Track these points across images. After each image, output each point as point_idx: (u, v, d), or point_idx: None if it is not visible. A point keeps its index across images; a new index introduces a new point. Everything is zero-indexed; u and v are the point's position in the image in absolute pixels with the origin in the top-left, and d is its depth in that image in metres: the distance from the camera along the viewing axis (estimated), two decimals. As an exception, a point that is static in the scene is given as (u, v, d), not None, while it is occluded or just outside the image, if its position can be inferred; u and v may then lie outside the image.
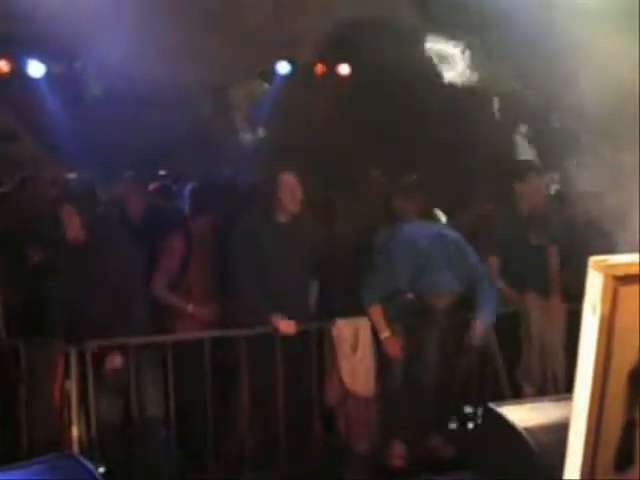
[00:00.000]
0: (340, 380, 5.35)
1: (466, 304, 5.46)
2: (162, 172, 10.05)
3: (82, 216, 5.11)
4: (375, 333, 5.41)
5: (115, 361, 5.09)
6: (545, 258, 5.91)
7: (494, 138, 8.29)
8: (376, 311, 5.39)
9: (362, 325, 5.42)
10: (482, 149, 8.09)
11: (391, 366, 5.42)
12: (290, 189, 5.39)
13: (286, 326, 5.23)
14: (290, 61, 10.70)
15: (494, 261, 5.79)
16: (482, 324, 5.43)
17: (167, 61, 8.96)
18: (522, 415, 3.36)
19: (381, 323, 5.39)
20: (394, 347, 5.39)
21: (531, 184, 5.98)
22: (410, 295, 5.37)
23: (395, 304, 5.39)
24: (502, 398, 5.13)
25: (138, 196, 6.43)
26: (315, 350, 5.41)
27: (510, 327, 5.71)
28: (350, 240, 5.70)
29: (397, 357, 5.40)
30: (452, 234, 5.46)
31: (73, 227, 5.09)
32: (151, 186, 7.72)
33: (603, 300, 1.87)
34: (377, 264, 5.38)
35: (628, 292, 1.87)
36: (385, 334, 5.38)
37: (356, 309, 5.40)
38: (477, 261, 5.44)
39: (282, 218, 5.43)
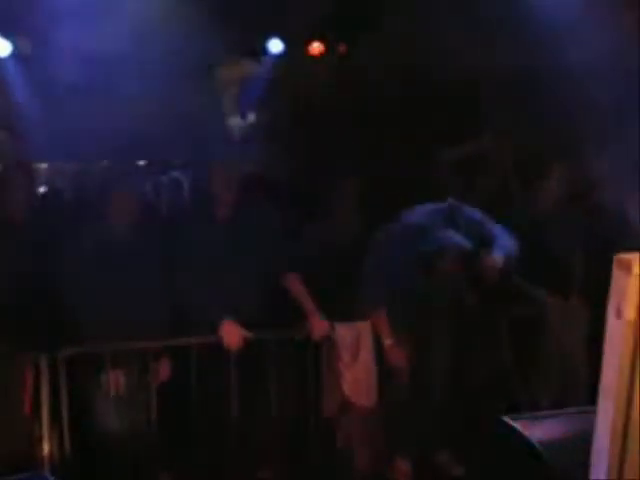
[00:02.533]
0: (340, 390, 5.37)
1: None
2: (141, 162, 10.06)
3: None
4: (378, 338, 5.42)
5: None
6: (566, 257, 5.93)
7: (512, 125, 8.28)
8: (380, 314, 5.38)
9: (364, 329, 5.42)
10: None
11: (395, 375, 5.43)
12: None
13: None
14: (283, 39, 10.70)
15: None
16: (496, 256, 5.29)
17: (144, 39, 8.95)
18: (539, 429, 3.36)
19: (385, 328, 5.38)
20: (399, 356, 5.39)
21: (552, 179, 6.02)
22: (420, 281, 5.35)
23: (400, 303, 5.38)
24: (517, 410, 5.13)
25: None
26: (312, 358, 5.42)
27: (525, 331, 5.72)
28: (348, 235, 5.70)
29: (402, 367, 5.40)
30: (456, 204, 5.40)
31: None
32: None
33: (629, 302, 1.86)
34: (376, 256, 5.37)
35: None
36: (389, 341, 5.38)
37: (356, 311, 5.41)
38: (486, 219, 5.40)
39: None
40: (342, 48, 10.68)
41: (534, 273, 5.82)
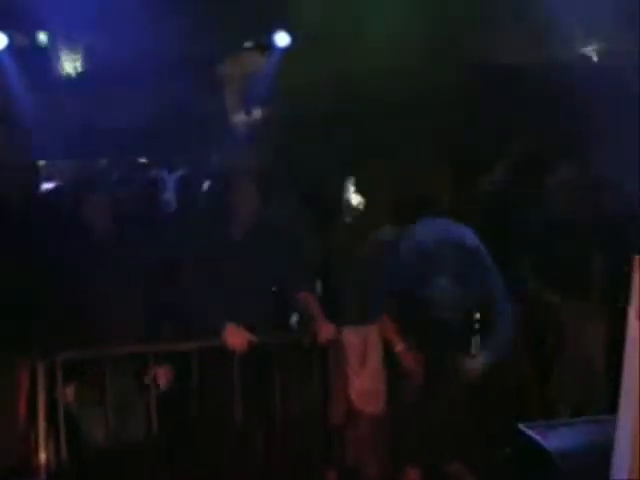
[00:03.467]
0: (347, 397, 5.36)
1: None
2: (142, 160, 10.07)
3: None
4: (386, 342, 5.41)
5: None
6: (581, 259, 5.93)
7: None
8: (387, 321, 5.38)
9: (371, 334, 5.42)
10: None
11: (405, 380, 5.42)
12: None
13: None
14: (290, 31, 10.70)
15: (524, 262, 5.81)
16: (483, 360, 5.29)
17: (146, 31, 8.97)
18: (556, 438, 3.34)
19: (394, 334, 5.37)
20: (413, 359, 5.37)
21: (565, 179, 6.03)
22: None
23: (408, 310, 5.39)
24: (533, 419, 5.12)
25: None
26: (318, 363, 5.41)
27: (542, 335, 5.71)
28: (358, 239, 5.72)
29: (415, 371, 5.39)
30: (471, 242, 5.32)
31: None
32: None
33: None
34: (385, 267, 5.38)
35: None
36: (400, 346, 5.37)
37: (364, 317, 5.41)
38: (495, 276, 5.34)
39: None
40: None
41: (549, 276, 5.82)
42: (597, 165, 6.47)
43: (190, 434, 5.28)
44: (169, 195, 7.52)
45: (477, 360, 5.27)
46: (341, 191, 6.97)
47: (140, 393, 5.27)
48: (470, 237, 5.35)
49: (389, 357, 5.41)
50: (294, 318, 5.70)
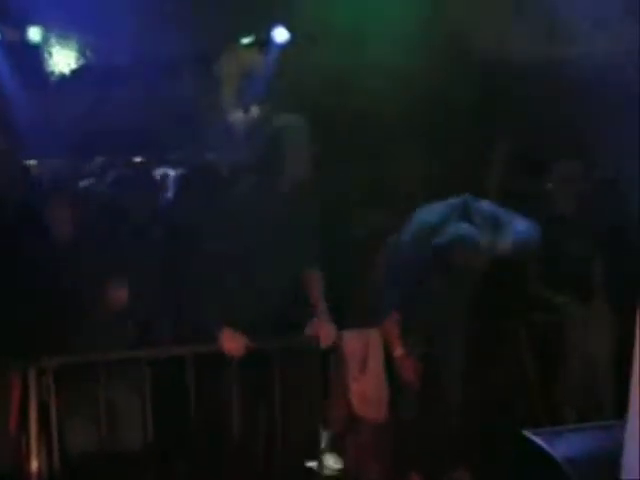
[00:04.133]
0: (347, 403, 5.36)
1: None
2: (137, 158, 10.06)
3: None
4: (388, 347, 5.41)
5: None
6: (585, 260, 5.94)
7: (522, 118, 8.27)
8: (393, 322, 5.36)
9: (373, 337, 5.43)
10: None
11: (406, 387, 5.41)
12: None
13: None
14: (289, 28, 10.70)
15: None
16: (512, 239, 5.26)
17: (141, 28, 8.97)
18: (562, 445, 3.34)
19: (396, 337, 5.36)
20: (409, 369, 5.36)
21: (567, 177, 6.04)
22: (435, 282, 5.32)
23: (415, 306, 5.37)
24: (538, 424, 5.12)
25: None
26: (318, 369, 5.41)
27: (546, 338, 5.71)
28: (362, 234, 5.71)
29: (412, 382, 5.37)
30: (473, 200, 5.38)
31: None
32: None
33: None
34: (390, 260, 5.38)
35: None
36: (399, 351, 5.35)
37: (366, 318, 5.39)
38: (502, 210, 5.38)
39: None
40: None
41: (553, 278, 5.82)
42: (600, 164, 6.49)
43: (186, 441, 5.28)
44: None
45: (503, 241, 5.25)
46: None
47: (134, 400, 5.27)
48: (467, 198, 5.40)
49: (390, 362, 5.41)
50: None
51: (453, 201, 5.39)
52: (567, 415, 5.64)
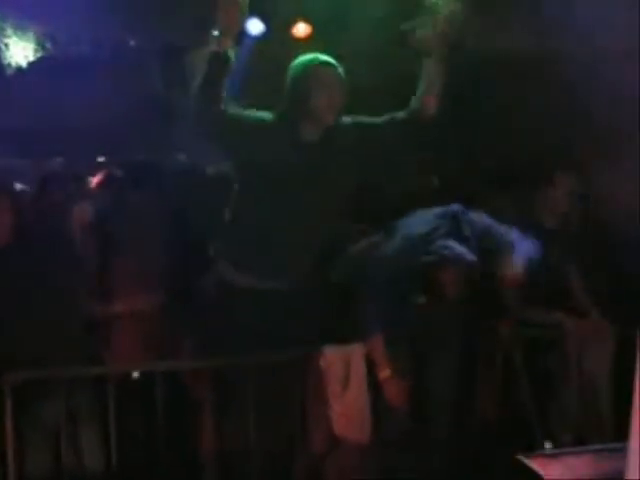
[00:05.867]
0: (328, 424, 5.37)
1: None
2: (101, 158, 10.03)
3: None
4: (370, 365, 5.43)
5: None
6: (568, 279, 6.03)
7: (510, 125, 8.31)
8: (376, 340, 5.37)
9: (355, 353, 5.43)
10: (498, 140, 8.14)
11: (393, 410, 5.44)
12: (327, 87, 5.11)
13: None
14: (264, 18, 10.68)
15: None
16: (515, 261, 5.32)
17: (104, 17, 8.96)
18: (558, 469, 3.37)
19: (380, 356, 5.37)
20: (396, 392, 5.37)
21: (558, 188, 6.10)
22: (421, 299, 5.36)
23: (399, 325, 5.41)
24: (533, 448, 5.16)
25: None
26: (298, 386, 5.44)
27: (541, 355, 5.75)
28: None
29: (399, 405, 5.40)
30: (464, 211, 5.43)
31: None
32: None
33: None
34: (373, 273, 5.38)
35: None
36: (386, 372, 5.36)
37: (348, 332, 5.43)
38: (497, 225, 5.43)
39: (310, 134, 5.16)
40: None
41: (547, 295, 5.88)
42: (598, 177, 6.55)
43: (153, 464, 5.30)
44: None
45: (510, 263, 5.29)
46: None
47: (98, 418, 5.29)
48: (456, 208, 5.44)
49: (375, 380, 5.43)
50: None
51: (440, 211, 5.42)
52: (563, 438, 5.69)
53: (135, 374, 5.42)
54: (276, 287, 5.16)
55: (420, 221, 5.42)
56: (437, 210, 5.46)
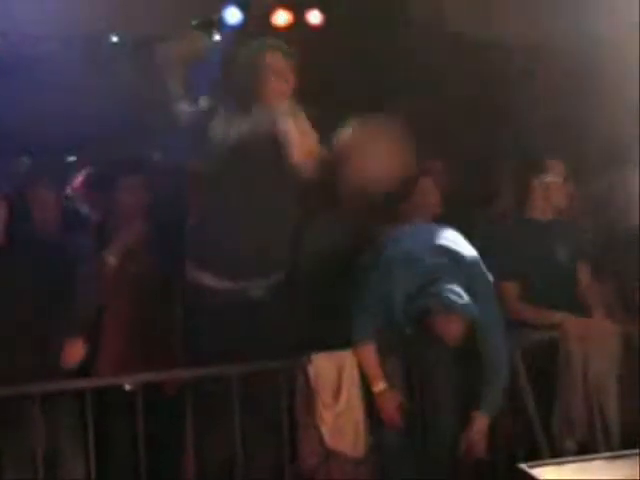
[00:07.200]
0: (319, 436, 5.38)
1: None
2: (71, 158, 10.02)
3: None
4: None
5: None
6: (575, 275, 6.10)
7: (509, 112, 8.34)
8: (368, 351, 5.40)
9: (347, 360, 5.44)
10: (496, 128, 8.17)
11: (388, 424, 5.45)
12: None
13: None
14: (242, 6, 10.68)
15: (510, 288, 5.91)
16: (483, 418, 5.38)
17: (73, 6, 8.94)
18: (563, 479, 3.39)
19: (374, 369, 5.39)
20: (390, 406, 5.38)
21: (552, 176, 6.14)
22: (409, 330, 5.36)
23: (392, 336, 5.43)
24: (536, 456, 5.17)
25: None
26: (285, 396, 5.45)
27: (544, 358, 5.78)
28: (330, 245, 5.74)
29: (393, 421, 5.40)
30: (468, 252, 5.38)
31: None
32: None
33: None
34: (368, 282, 5.39)
35: None
36: (380, 386, 5.38)
37: (340, 339, 5.44)
38: (492, 298, 5.40)
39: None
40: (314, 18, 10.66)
41: (548, 293, 5.91)
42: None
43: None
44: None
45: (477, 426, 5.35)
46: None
47: (75, 436, 5.30)
48: (466, 246, 5.42)
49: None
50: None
51: (443, 244, 5.36)
52: (568, 445, 5.70)
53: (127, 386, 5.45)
54: (240, 287, 5.20)
55: (419, 241, 5.40)
56: (439, 240, 5.41)
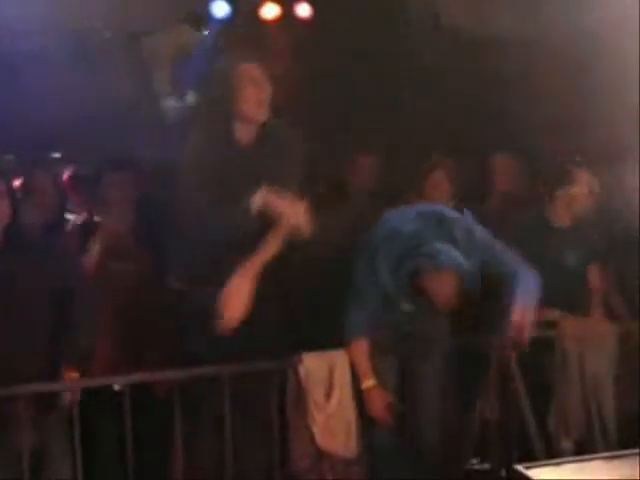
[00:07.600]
0: (311, 437, 5.39)
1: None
2: (56, 154, 10.00)
3: None
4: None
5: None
6: (585, 278, 6.11)
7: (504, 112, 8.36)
8: (360, 347, 5.40)
9: (338, 360, 5.45)
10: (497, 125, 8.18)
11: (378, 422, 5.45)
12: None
13: None
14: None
15: None
16: (522, 308, 5.30)
17: (60, 2, 8.93)
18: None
19: (364, 365, 5.39)
20: (379, 404, 5.39)
21: (579, 188, 6.16)
22: (404, 305, 5.37)
23: (386, 331, 5.42)
24: (532, 457, 5.17)
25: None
26: (276, 396, 5.45)
27: (540, 357, 5.78)
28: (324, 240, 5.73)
29: (382, 419, 5.41)
30: (450, 212, 5.43)
31: None
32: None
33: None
34: (358, 271, 5.39)
35: None
36: (369, 382, 5.39)
37: (331, 338, 5.43)
38: (493, 241, 5.42)
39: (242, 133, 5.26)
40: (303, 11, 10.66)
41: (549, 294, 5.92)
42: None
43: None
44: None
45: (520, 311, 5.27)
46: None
47: (60, 438, 5.29)
48: (450, 210, 5.47)
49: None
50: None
51: (430, 209, 5.44)
52: (564, 445, 5.71)
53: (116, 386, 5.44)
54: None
55: (403, 217, 5.40)
56: (420, 208, 5.47)
